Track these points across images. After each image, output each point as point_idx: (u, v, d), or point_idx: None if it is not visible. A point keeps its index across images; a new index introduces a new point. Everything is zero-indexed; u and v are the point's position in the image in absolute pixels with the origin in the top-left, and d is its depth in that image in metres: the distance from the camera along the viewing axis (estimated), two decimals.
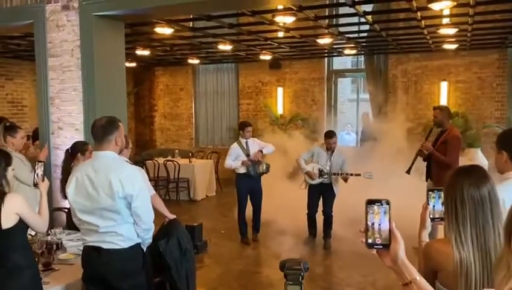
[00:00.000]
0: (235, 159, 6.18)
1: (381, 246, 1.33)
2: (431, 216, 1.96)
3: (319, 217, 6.21)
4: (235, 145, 6.30)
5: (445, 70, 9.61)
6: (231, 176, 9.75)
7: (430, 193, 1.96)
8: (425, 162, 5.58)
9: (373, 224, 1.32)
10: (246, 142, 6.25)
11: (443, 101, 9.52)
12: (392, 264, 1.34)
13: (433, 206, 1.95)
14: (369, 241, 1.33)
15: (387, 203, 1.32)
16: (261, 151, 6.22)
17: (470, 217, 1.67)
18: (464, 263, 1.65)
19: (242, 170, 6.18)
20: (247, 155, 6.18)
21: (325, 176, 5.91)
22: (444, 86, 9.56)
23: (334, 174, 5.90)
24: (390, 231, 1.32)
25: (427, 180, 5.64)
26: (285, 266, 1.89)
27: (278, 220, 6.88)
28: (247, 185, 6.22)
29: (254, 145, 6.29)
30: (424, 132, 7.75)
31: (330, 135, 6.00)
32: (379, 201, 1.33)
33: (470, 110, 9.42)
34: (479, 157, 8.57)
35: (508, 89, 9.25)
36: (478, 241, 1.66)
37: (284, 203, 7.05)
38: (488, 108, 9.39)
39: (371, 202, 1.33)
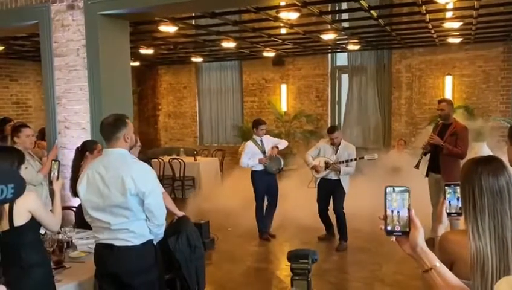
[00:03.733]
0: (251, 157, 6.21)
1: (400, 233, 1.33)
2: (447, 211, 1.95)
3: (332, 216, 6.16)
4: (250, 143, 6.33)
5: (450, 65, 9.58)
6: (236, 174, 9.78)
7: (447, 187, 1.96)
8: (427, 156, 5.57)
9: (392, 211, 1.33)
10: (261, 140, 6.30)
11: (448, 95, 9.48)
12: (411, 252, 1.35)
13: (449, 201, 1.94)
14: (388, 228, 1.34)
15: (407, 190, 1.33)
16: (276, 147, 6.29)
17: (489, 207, 1.66)
18: (480, 254, 1.64)
19: (259, 167, 6.23)
20: (263, 152, 6.22)
21: (331, 167, 5.90)
22: (448, 80, 9.53)
23: (340, 162, 5.87)
24: (409, 218, 1.32)
25: (427, 175, 5.63)
26: (292, 259, 1.87)
27: (289, 217, 6.89)
28: (264, 182, 6.27)
29: (268, 142, 6.36)
30: (431, 127, 7.73)
31: (331, 130, 6.04)
32: (398, 188, 1.33)
33: (475, 103, 9.39)
34: (484, 151, 8.54)
35: None
36: (496, 232, 1.65)
37: (296, 200, 7.07)
38: (493, 101, 9.36)
39: (389, 189, 1.33)
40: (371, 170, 7.67)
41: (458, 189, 1.88)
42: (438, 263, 1.35)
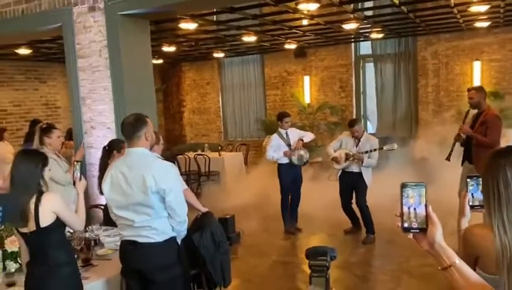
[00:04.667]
0: (276, 150, 6.22)
1: (417, 230, 1.30)
2: (470, 203, 1.89)
3: (357, 209, 6.09)
4: (275, 136, 6.33)
5: (478, 50, 9.27)
6: (261, 168, 9.79)
7: (469, 180, 1.90)
8: (463, 147, 5.40)
9: (409, 208, 1.30)
10: (286, 133, 6.29)
11: (476, 82, 9.20)
12: (430, 248, 1.31)
13: (472, 193, 1.89)
14: (405, 225, 1.31)
15: (423, 186, 1.30)
16: (301, 140, 6.26)
17: None
18: (507, 249, 1.59)
19: (284, 160, 6.23)
20: (288, 145, 6.21)
21: (351, 159, 5.82)
22: (477, 65, 9.23)
23: (358, 153, 5.80)
24: (426, 214, 1.29)
25: (462, 164, 5.47)
26: (310, 257, 1.85)
27: (315, 210, 6.86)
28: (290, 175, 6.27)
29: (294, 134, 6.34)
30: (459, 115, 7.52)
31: (352, 123, 5.96)
32: (414, 184, 1.30)
33: (506, 89, 9.06)
34: None
35: None
36: None
37: (321, 193, 7.03)
38: None
39: (405, 186, 1.31)
40: (397, 161, 7.55)
41: (481, 181, 1.83)
42: (458, 260, 1.31)
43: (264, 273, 5.09)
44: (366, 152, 5.77)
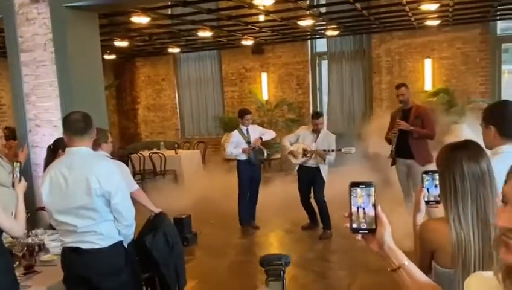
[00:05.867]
0: (236, 147, 6.17)
1: (366, 231, 1.26)
2: (425, 199, 1.89)
3: (315, 204, 6.11)
4: (235, 132, 6.29)
5: (429, 47, 9.56)
6: (219, 165, 9.67)
7: (425, 175, 1.89)
8: (394, 144, 5.48)
9: (358, 208, 1.25)
10: (247, 130, 6.24)
11: (428, 79, 9.50)
12: (379, 250, 1.28)
13: (428, 189, 1.88)
14: (354, 226, 1.26)
15: (371, 185, 1.24)
16: (260, 138, 6.23)
17: (471, 192, 1.61)
18: (462, 243, 1.59)
19: (243, 157, 6.18)
20: (248, 142, 6.17)
21: (308, 155, 5.84)
22: (428, 63, 9.52)
23: (321, 150, 5.81)
24: (375, 214, 1.24)
25: (393, 164, 5.59)
26: (265, 265, 1.78)
27: (273, 207, 6.82)
28: (248, 172, 6.23)
29: (255, 131, 6.30)
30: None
31: (317, 116, 5.99)
32: (362, 183, 1.24)
33: (455, 86, 9.41)
34: (465, 133, 8.57)
35: (491, 63, 9.25)
36: (479, 218, 1.61)
37: (279, 189, 7.01)
38: (472, 83, 9.39)
39: (354, 185, 1.25)
40: (352, 156, 7.65)
41: (437, 176, 1.83)
42: (407, 261, 1.28)
43: (222, 274, 5.00)
44: (324, 151, 5.77)
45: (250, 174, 6.27)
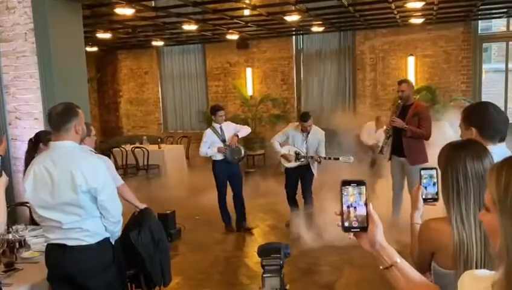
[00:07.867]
0: (210, 146, 5.84)
1: (358, 229, 1.25)
2: (423, 197, 1.87)
3: (300, 201, 6.08)
4: (208, 131, 5.93)
5: (412, 45, 9.66)
6: (202, 160, 9.58)
7: (423, 172, 1.87)
8: (389, 139, 5.47)
9: (349, 206, 1.24)
10: (220, 127, 5.89)
11: (411, 76, 9.58)
12: (370, 248, 1.26)
13: (425, 186, 1.86)
14: (345, 224, 1.25)
15: (363, 183, 1.23)
16: (236, 135, 5.89)
17: (474, 192, 1.59)
18: (464, 244, 1.56)
19: (219, 156, 5.87)
20: (223, 141, 5.83)
21: (302, 159, 5.78)
22: (411, 60, 9.62)
23: (312, 157, 5.76)
24: (367, 213, 1.23)
25: (390, 159, 5.59)
26: (263, 254, 1.73)
27: (257, 203, 6.79)
28: (226, 172, 5.91)
29: (229, 129, 5.94)
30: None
31: (305, 117, 5.76)
32: (354, 182, 1.23)
33: (437, 84, 9.53)
34: (446, 131, 8.68)
35: (472, 62, 9.39)
36: None
37: (263, 185, 6.97)
38: (454, 81, 9.52)
39: (345, 183, 1.24)
40: (337, 154, 7.68)
41: (435, 174, 1.81)
42: (399, 259, 1.26)
43: (207, 270, 4.95)
44: (320, 158, 5.73)
45: (229, 173, 5.94)
